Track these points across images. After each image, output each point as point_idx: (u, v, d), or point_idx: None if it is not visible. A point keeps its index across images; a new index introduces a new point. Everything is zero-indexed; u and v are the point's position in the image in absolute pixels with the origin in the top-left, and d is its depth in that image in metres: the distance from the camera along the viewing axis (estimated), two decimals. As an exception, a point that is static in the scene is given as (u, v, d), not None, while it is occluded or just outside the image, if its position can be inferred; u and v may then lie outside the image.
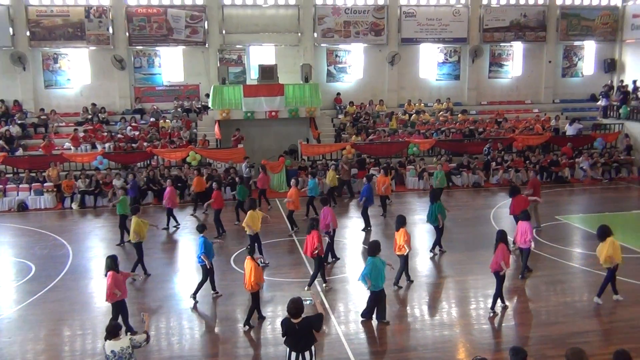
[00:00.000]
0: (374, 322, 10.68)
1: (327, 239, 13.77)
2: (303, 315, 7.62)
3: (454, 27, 28.67)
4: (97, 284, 13.14)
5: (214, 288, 12.12)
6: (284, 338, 7.82)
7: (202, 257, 11.60)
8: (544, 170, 23.66)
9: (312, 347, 7.71)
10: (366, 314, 10.75)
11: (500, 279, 10.89)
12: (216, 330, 10.78)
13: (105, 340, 7.67)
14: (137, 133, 24.47)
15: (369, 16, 27.92)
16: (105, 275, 10.12)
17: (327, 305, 11.32)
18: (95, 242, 16.78)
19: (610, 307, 11.19)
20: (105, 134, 24.29)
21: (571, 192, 22.25)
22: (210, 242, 11.96)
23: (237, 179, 18.60)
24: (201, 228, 12.13)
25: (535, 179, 17.36)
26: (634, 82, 28.02)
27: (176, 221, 17.76)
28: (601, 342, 9.67)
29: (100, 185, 21.10)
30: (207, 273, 11.84)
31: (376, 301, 10.58)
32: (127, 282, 10.87)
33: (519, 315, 11.06)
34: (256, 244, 13.37)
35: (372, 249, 10.50)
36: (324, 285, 12.43)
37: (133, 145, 23.53)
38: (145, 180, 21.13)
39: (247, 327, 10.55)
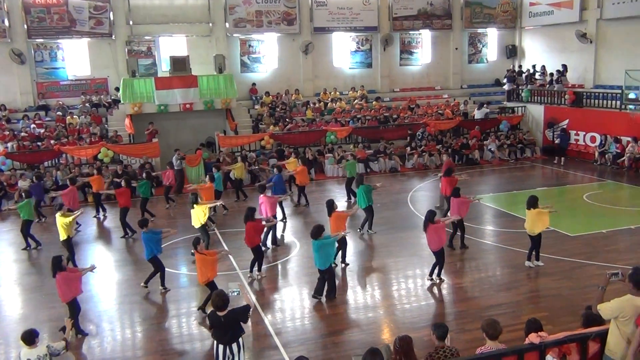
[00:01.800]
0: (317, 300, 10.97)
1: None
2: (229, 307, 7.57)
3: (364, 15, 29.14)
4: (7, 291, 12.45)
5: (146, 282, 11.97)
6: (211, 331, 7.74)
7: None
8: (456, 153, 24.69)
9: (240, 339, 7.68)
10: (330, 292, 11.07)
11: (440, 255, 11.48)
12: (139, 329, 10.46)
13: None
14: (42, 131, 23.18)
15: (281, 5, 27.82)
16: (54, 277, 9.68)
17: (252, 296, 11.29)
18: (2, 247, 15.79)
19: (521, 280, 11.88)
20: (7, 132, 22.83)
21: (481, 173, 23.33)
22: (157, 235, 11.66)
23: (143, 174, 17.97)
24: (142, 223, 11.80)
25: (448, 160, 18.13)
26: (533, 66, 29.64)
27: (78, 224, 16.91)
28: (515, 313, 10.21)
29: (4, 187, 19.84)
30: (160, 266, 11.69)
31: (329, 278, 10.97)
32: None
33: (438, 293, 11.49)
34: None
35: (314, 233, 10.74)
36: (248, 275, 12.39)
37: (39, 143, 22.27)
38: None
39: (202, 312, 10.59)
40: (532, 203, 12.01)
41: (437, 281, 11.75)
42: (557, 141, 24.73)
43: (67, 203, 16.17)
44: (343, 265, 12.85)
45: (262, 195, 14.44)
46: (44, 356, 7.24)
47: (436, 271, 11.73)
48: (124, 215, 15.75)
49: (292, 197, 18.60)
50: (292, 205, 18.47)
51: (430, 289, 11.56)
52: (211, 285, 10.35)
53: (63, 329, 9.55)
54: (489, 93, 31.01)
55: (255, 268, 12.43)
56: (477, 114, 27.24)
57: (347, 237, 12.75)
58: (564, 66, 27.28)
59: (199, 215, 13.36)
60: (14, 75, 25.08)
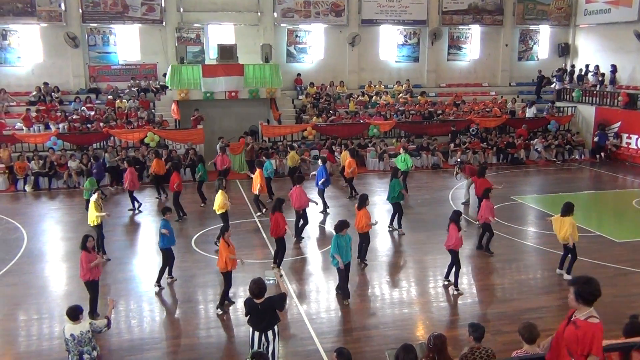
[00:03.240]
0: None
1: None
2: (266, 295, 7.65)
3: (413, 9, 28.80)
4: (54, 268, 12.88)
5: (170, 273, 11.84)
6: (247, 318, 7.85)
7: (162, 231, 11.39)
8: (500, 151, 24.24)
9: (275, 327, 7.78)
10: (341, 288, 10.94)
11: (455, 255, 11.24)
12: (177, 312, 10.70)
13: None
14: (92, 113, 23.84)
15: (330, -3, 27.78)
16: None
17: (288, 285, 11.38)
18: (51, 224, 16.34)
19: (562, 283, 11.57)
20: (59, 114, 23.57)
21: (526, 173, 22.84)
22: (170, 226, 11.73)
23: (196, 159, 18.42)
24: (164, 211, 11.97)
25: (471, 166, 18.10)
26: (587, 66, 28.78)
27: (138, 202, 17.38)
28: (554, 317, 9.97)
29: (54, 167, 20.52)
30: (168, 258, 11.66)
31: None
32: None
33: (476, 293, 11.35)
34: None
35: (337, 227, 10.61)
36: (271, 266, 12.27)
37: (88, 125, 22.92)
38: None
39: (219, 310, 10.45)
40: (567, 211, 11.44)
41: (446, 283, 11.52)
42: (595, 139, 25.27)
43: (129, 185, 16.82)
44: (360, 262, 12.60)
45: (296, 187, 14.17)
46: (87, 332, 7.48)
47: (453, 272, 11.42)
48: (176, 199, 16.06)
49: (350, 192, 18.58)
50: (346, 198, 18.51)
51: (456, 290, 11.31)
52: (226, 274, 10.37)
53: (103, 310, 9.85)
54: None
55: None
56: (528, 113, 26.61)
57: (379, 235, 12.52)
58: (613, 66, 26.43)
59: (218, 202, 13.52)
60: (68, 58, 25.83)
